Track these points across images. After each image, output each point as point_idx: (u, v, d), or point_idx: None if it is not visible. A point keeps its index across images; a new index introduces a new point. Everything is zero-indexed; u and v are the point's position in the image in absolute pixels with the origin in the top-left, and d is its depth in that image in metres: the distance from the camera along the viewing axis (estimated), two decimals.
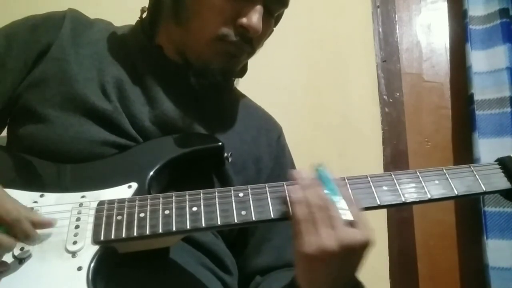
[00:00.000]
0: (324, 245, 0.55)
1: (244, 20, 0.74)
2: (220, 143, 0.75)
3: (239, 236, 0.84)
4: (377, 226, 1.53)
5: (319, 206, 0.58)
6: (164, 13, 0.82)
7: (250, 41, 0.78)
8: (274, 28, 0.87)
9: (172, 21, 0.80)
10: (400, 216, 1.60)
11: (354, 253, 0.56)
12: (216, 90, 0.85)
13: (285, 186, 0.65)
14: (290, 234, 0.82)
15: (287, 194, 0.63)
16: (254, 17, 0.74)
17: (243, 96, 0.96)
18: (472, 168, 0.68)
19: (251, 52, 0.82)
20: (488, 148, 1.57)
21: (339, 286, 0.59)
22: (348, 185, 0.65)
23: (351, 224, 0.57)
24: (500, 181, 0.68)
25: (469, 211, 1.64)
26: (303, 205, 0.58)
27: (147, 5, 0.85)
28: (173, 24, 0.80)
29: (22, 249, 0.58)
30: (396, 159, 1.65)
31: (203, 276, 0.73)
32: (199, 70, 0.78)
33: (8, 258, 0.58)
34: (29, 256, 0.58)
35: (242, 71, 0.90)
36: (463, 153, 1.68)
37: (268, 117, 0.95)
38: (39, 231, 0.60)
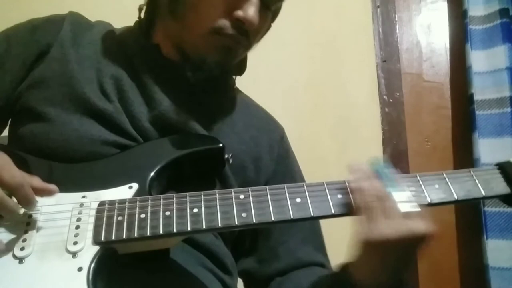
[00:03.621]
0: (382, 233, 0.58)
1: (240, 12, 0.74)
2: (220, 145, 0.75)
3: (248, 241, 0.85)
4: None
5: (375, 196, 0.61)
6: (160, 10, 0.82)
7: (247, 34, 0.78)
8: (272, 24, 0.87)
9: (169, 17, 0.80)
10: None
11: (410, 244, 0.59)
12: (216, 89, 0.85)
13: (285, 188, 0.65)
14: (304, 236, 0.85)
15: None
16: (250, 10, 0.74)
17: (244, 95, 0.95)
18: (472, 173, 0.68)
19: (248, 45, 0.82)
20: (488, 148, 1.57)
21: (393, 278, 0.62)
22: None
23: (407, 216, 0.59)
24: (499, 186, 0.68)
25: (469, 211, 1.64)
26: (360, 193, 0.62)
27: (144, 2, 0.85)
28: (169, 20, 0.80)
29: (22, 249, 0.58)
30: (396, 159, 1.65)
31: (203, 277, 0.73)
32: (195, 64, 0.78)
33: (8, 258, 0.58)
34: (29, 255, 0.58)
35: (241, 69, 0.90)
36: (463, 153, 1.68)
37: (269, 117, 0.95)
38: (39, 231, 0.60)
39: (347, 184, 0.65)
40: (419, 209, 0.60)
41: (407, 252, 0.60)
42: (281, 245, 0.84)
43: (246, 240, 0.85)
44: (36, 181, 0.61)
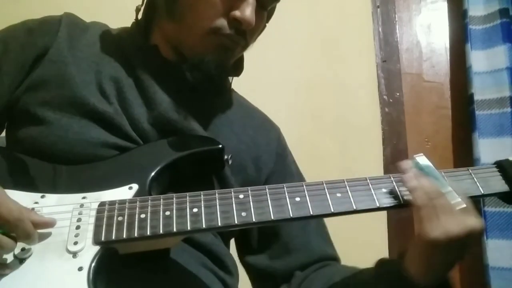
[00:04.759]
0: (449, 230, 0.59)
1: (237, 12, 0.75)
2: (220, 146, 0.75)
3: (256, 239, 0.86)
4: (377, 226, 1.53)
5: (436, 194, 0.61)
6: (158, 11, 0.83)
7: (244, 34, 0.79)
8: (267, 24, 0.87)
9: (166, 18, 0.80)
10: (400, 216, 1.60)
11: (472, 238, 0.60)
12: (214, 90, 0.85)
13: (285, 188, 0.65)
14: (312, 229, 0.86)
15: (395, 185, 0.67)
16: (247, 10, 0.74)
17: (240, 96, 0.96)
18: (471, 171, 0.69)
19: (245, 45, 0.82)
20: (488, 148, 1.57)
21: (447, 272, 0.64)
22: (348, 187, 0.66)
23: (464, 212, 0.60)
24: (498, 184, 0.69)
25: None
26: (421, 192, 0.62)
27: (140, 3, 0.86)
28: (167, 21, 0.80)
29: (23, 249, 0.58)
30: (396, 159, 1.65)
31: (203, 277, 0.73)
32: (193, 64, 0.79)
33: (8, 257, 0.58)
34: (30, 256, 0.58)
35: (239, 70, 0.90)
36: (463, 153, 1.68)
37: (265, 118, 0.96)
38: (40, 231, 0.60)
39: (402, 180, 0.65)
40: (466, 205, 0.61)
41: (468, 245, 0.61)
42: (293, 240, 0.85)
43: (252, 238, 0.86)
44: (34, 215, 0.59)
